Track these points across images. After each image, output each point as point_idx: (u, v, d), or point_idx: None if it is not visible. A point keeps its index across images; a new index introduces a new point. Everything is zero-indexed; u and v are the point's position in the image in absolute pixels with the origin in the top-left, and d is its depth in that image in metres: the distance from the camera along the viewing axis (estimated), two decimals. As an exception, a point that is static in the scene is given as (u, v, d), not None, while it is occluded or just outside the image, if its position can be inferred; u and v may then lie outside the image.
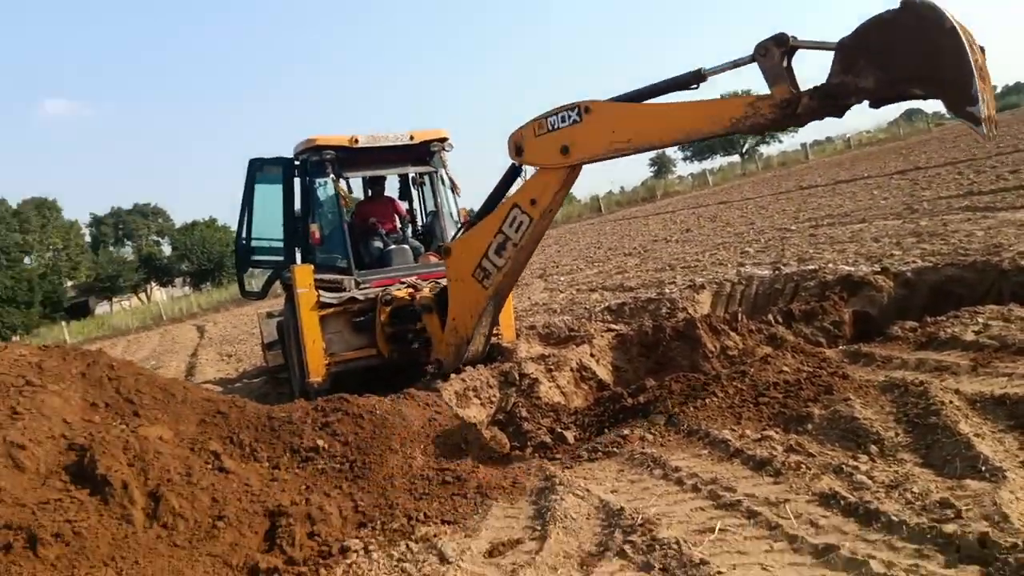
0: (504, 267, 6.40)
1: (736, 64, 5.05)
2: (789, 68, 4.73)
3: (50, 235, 55.55)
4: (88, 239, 63.84)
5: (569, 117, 5.71)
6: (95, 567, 3.32)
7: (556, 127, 5.80)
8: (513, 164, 6.46)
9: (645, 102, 5.49)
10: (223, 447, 4.35)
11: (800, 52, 4.81)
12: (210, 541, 3.63)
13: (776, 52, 4.70)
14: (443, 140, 8.42)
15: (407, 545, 3.68)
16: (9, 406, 4.15)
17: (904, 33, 4.19)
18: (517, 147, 6.10)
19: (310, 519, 3.84)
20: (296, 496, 4.07)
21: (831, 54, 4.50)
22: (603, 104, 5.60)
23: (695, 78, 5.21)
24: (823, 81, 4.63)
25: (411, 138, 8.19)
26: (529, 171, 6.38)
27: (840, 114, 4.88)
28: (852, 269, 8.18)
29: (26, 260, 49.87)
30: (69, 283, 57.99)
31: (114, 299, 60.13)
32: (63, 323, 40.25)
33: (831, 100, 4.69)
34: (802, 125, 5.11)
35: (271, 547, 3.70)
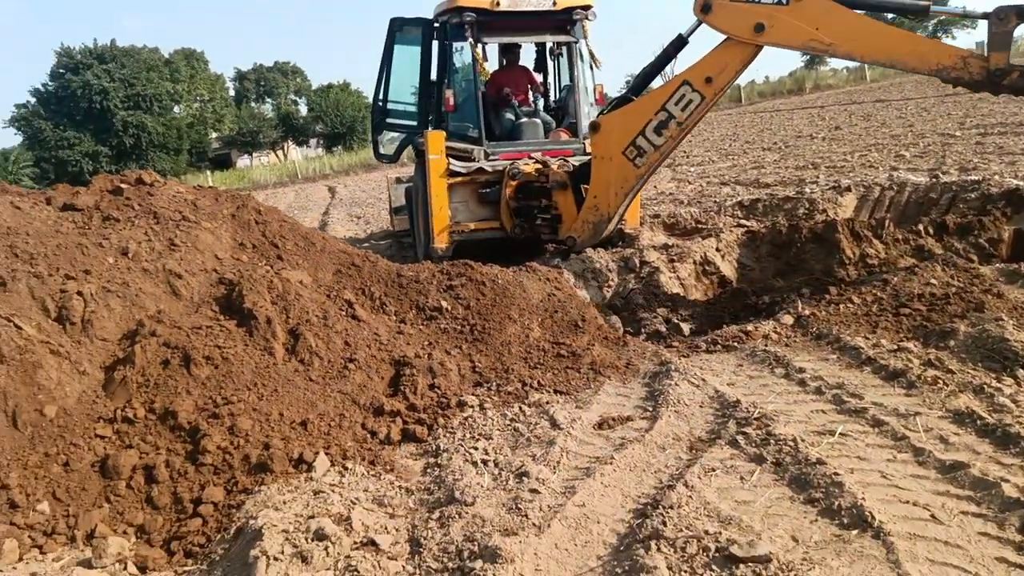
0: (662, 146, 6.28)
1: (967, 14, 5.16)
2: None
3: (198, 86, 58.17)
4: (232, 93, 66.57)
5: None
6: (239, 389, 3.64)
7: None
8: (679, 36, 6.20)
9: (857, 11, 5.35)
10: (356, 297, 4.59)
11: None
12: (341, 380, 3.89)
13: (1014, 22, 4.86)
14: (587, 8, 8.01)
15: (520, 407, 3.82)
16: (167, 238, 4.50)
17: None
18: (706, 3, 5.78)
19: (431, 372, 4.04)
20: (419, 350, 4.28)
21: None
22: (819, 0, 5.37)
23: (922, 10, 5.21)
24: None
25: (554, 3, 7.84)
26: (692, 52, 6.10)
27: None
28: (1021, 184, 7.39)
29: (176, 109, 52.76)
30: (214, 135, 61.24)
31: (253, 154, 63.24)
32: (207, 172, 42.95)
33: None
34: (996, 95, 5.19)
35: (395, 392, 3.94)
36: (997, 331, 3.91)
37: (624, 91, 6.81)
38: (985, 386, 3.45)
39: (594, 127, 6.64)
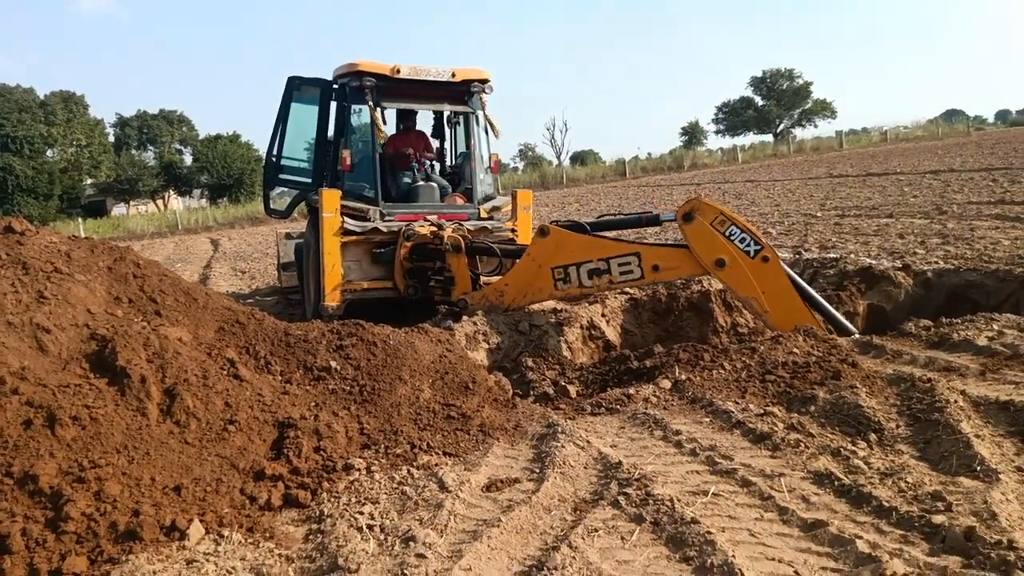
0: (586, 288, 6.50)
1: None
2: None
3: (75, 131, 55.37)
4: (112, 139, 63.69)
5: (748, 245, 5.75)
6: (108, 453, 3.43)
7: (732, 238, 5.78)
8: (657, 216, 6.67)
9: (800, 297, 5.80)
10: (239, 356, 4.45)
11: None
12: (220, 443, 3.74)
13: None
14: (484, 81, 8.34)
15: (408, 470, 3.80)
16: (37, 290, 4.24)
17: None
18: (689, 213, 5.96)
19: (317, 434, 3.95)
20: (305, 411, 4.18)
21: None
22: (780, 269, 5.79)
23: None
24: None
25: (453, 75, 8.11)
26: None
27: None
28: (873, 262, 8.15)
29: (49, 153, 49.89)
30: (89, 181, 58.13)
31: (131, 202, 60.37)
32: (79, 220, 40.54)
33: None
34: None
35: (278, 456, 3.82)
36: (852, 398, 4.25)
37: (586, 221, 7.00)
38: (842, 449, 3.73)
39: (543, 231, 6.70)
